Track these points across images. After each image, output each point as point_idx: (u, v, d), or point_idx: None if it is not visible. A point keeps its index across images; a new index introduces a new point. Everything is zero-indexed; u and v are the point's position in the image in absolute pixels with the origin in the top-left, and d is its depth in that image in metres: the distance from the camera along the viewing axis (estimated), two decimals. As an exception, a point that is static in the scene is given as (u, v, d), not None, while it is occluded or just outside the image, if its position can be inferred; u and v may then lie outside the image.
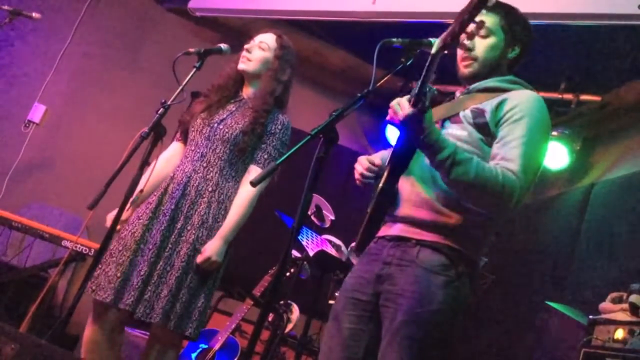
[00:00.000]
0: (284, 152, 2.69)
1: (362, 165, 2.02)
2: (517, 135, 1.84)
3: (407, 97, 1.77)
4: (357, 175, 2.04)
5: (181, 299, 2.48)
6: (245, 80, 2.81)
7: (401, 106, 1.76)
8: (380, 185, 1.87)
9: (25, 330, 3.56)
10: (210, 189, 2.61)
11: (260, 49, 2.74)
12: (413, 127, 1.76)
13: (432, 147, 1.77)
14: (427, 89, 1.72)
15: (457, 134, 1.92)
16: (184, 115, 2.82)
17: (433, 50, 1.68)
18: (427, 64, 1.69)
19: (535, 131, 1.87)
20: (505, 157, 1.83)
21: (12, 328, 2.00)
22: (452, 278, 1.85)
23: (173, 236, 2.54)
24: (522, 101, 1.90)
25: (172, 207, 2.56)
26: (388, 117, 1.80)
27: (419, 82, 1.71)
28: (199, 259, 2.50)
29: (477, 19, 2.00)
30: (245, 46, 2.76)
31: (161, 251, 2.51)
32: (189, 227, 2.56)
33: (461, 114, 1.96)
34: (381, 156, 2.14)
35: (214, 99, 2.75)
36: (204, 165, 2.64)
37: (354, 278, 2.01)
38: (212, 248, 2.51)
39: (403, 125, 1.77)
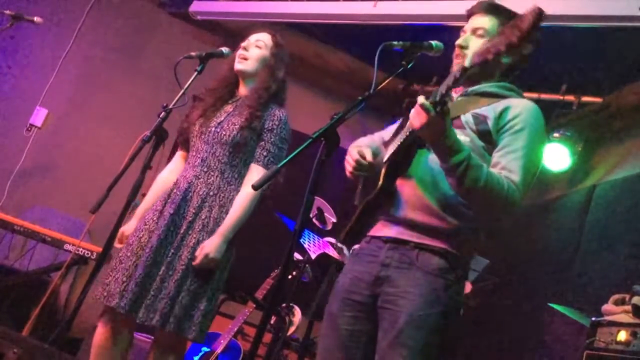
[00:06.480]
0: (283, 148, 2.69)
1: (352, 157, 1.99)
2: (519, 147, 1.88)
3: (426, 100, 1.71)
4: (348, 168, 2.01)
5: (180, 301, 2.47)
6: (240, 80, 2.81)
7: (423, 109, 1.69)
8: (380, 183, 1.88)
9: (28, 334, 3.57)
10: (211, 193, 2.60)
11: (257, 47, 2.76)
12: (434, 132, 1.73)
13: (449, 149, 1.76)
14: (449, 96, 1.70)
15: (459, 138, 1.90)
16: (183, 124, 2.81)
17: (467, 64, 1.63)
18: (458, 75, 1.65)
19: (535, 143, 1.91)
20: (507, 168, 1.86)
21: (14, 332, 2.01)
22: (452, 281, 1.87)
23: (176, 241, 2.54)
24: (523, 111, 1.93)
25: (172, 211, 2.56)
26: (412, 116, 1.73)
27: (444, 89, 1.67)
28: (198, 257, 2.48)
29: (478, 24, 2.02)
30: (242, 44, 2.77)
31: (158, 255, 2.51)
32: (190, 232, 2.55)
33: (462, 118, 1.96)
34: (369, 143, 2.09)
35: (210, 102, 2.75)
36: (205, 170, 2.64)
37: (349, 279, 1.99)
38: (210, 245, 2.49)
39: (424, 128, 1.72)
